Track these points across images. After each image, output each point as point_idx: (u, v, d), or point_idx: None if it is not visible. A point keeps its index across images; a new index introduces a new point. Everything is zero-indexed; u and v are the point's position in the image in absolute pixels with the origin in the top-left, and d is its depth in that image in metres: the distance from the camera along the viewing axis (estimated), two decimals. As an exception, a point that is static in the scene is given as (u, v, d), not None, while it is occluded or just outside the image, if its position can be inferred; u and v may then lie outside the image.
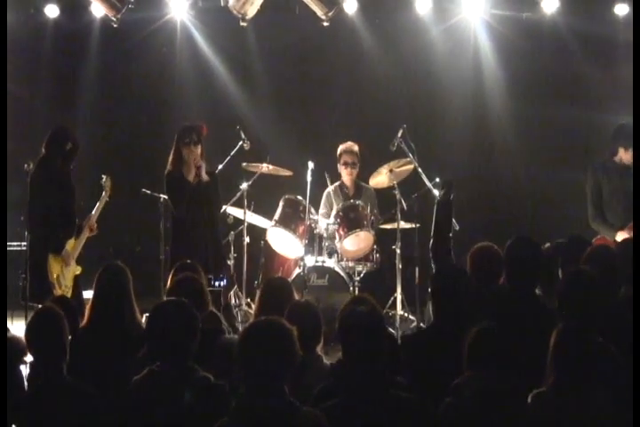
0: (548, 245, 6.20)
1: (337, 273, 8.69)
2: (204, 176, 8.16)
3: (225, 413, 3.69)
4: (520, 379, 4.01)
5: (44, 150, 7.48)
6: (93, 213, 7.79)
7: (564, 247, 5.89)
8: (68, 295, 7.20)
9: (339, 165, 9.31)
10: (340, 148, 9.28)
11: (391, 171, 8.92)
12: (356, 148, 9.28)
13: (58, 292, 7.23)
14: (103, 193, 7.94)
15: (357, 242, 8.72)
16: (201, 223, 8.12)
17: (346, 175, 9.30)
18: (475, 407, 3.96)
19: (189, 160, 8.10)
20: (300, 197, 8.83)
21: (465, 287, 4.92)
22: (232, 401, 3.80)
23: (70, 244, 7.55)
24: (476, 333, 4.15)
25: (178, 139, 8.13)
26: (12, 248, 8.24)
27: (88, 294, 7.27)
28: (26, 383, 4.86)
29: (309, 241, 8.80)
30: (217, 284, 7.94)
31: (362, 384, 3.87)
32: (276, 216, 8.84)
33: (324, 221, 8.95)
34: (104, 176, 8.00)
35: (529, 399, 3.97)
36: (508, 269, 5.15)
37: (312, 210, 8.83)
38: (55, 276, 7.35)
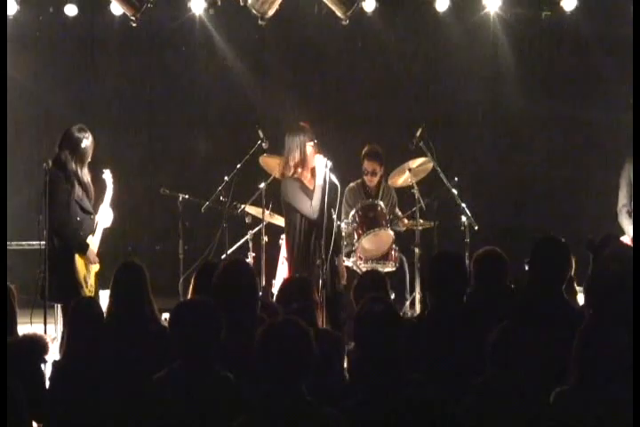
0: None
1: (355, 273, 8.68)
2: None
3: (243, 413, 3.70)
4: (543, 378, 4.00)
5: (57, 149, 7.50)
6: (102, 207, 7.78)
7: (597, 245, 5.85)
8: (93, 294, 7.29)
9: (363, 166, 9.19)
10: (363, 151, 9.15)
11: (410, 170, 8.88)
12: (378, 151, 9.08)
13: (85, 291, 7.29)
14: (107, 187, 7.92)
15: (376, 241, 8.66)
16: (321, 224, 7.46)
17: (367, 181, 9.19)
18: (497, 406, 3.96)
19: (315, 161, 7.44)
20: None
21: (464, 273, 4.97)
22: (251, 401, 3.81)
23: (90, 241, 7.58)
24: (499, 331, 4.14)
25: (303, 140, 7.38)
26: (33, 247, 8.25)
27: (104, 294, 7.34)
28: (47, 382, 4.87)
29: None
30: None
31: (380, 383, 3.87)
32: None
33: (343, 220, 8.92)
34: (104, 170, 7.99)
35: (551, 397, 3.96)
36: (534, 269, 5.10)
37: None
38: (82, 276, 7.39)
